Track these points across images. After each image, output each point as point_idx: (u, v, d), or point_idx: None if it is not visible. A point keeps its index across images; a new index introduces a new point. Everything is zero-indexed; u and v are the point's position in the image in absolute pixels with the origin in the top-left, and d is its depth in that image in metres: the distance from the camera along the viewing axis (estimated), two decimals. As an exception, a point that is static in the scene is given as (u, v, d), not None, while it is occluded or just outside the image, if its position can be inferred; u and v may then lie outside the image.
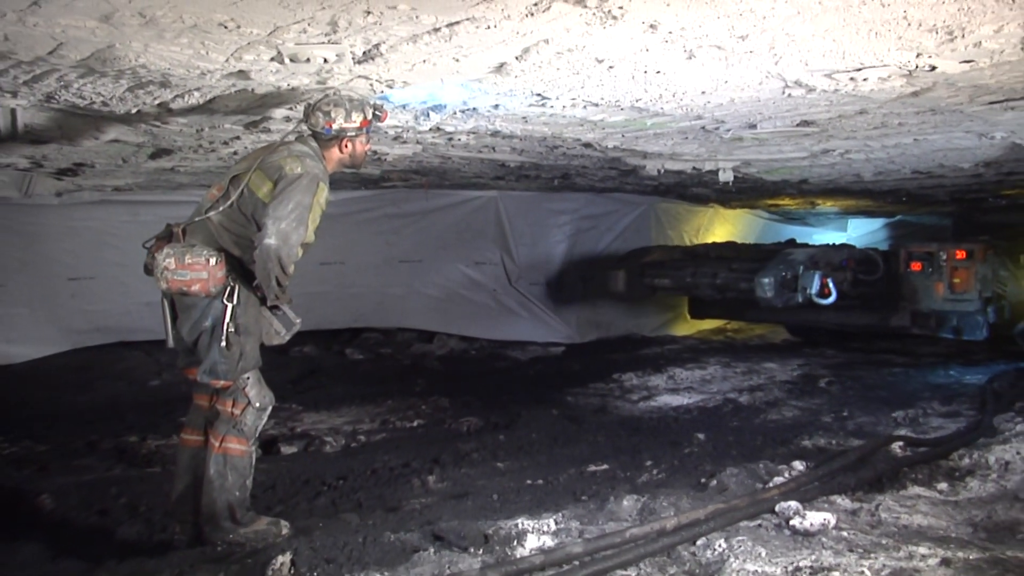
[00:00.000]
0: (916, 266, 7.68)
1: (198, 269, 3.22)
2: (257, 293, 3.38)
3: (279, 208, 3.21)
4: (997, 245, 7.82)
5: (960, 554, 2.88)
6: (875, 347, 8.97)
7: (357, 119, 3.41)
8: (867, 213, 11.56)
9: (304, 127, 3.50)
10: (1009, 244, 7.95)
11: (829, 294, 7.40)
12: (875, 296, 7.73)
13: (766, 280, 7.43)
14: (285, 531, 3.42)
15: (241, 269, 3.35)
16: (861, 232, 12.70)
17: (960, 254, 7.53)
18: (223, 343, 3.28)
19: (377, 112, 3.49)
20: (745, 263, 8.18)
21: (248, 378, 3.37)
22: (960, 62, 3.20)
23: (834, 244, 9.52)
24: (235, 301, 3.31)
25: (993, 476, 3.87)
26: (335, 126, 3.39)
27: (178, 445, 3.62)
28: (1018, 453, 4.08)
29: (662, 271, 8.83)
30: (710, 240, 10.50)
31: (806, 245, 9.12)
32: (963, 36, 2.86)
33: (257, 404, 3.38)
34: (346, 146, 3.49)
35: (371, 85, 3.50)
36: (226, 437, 3.34)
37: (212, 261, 3.24)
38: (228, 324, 3.29)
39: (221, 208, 3.34)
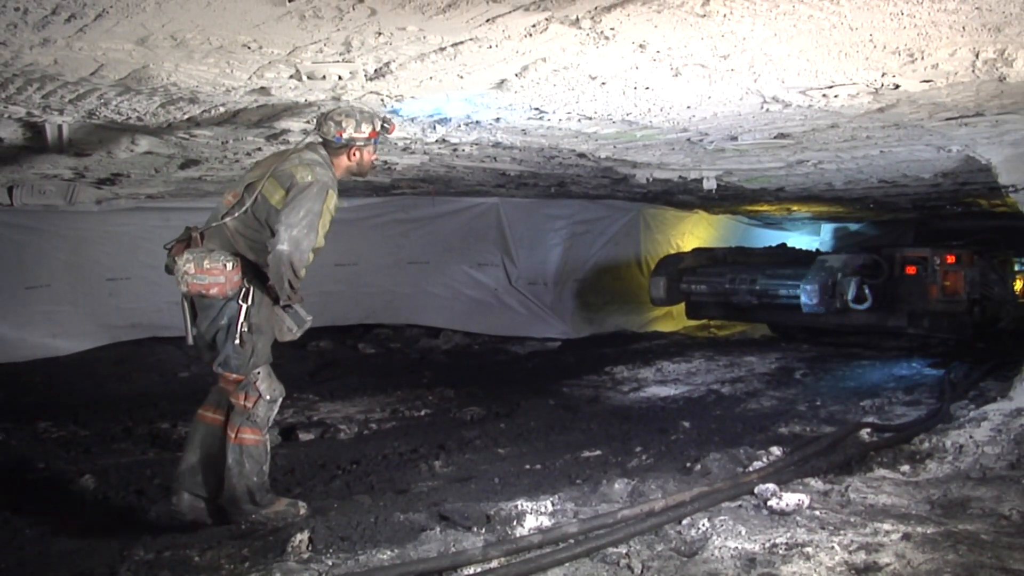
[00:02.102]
0: (911, 270, 7.54)
1: (216, 274, 3.20)
2: (270, 294, 3.34)
3: (291, 215, 3.17)
4: (982, 250, 7.77)
5: (919, 529, 2.89)
6: (845, 342, 8.95)
7: (366, 130, 3.36)
8: (838, 219, 11.51)
9: (315, 135, 3.45)
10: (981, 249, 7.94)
11: (865, 299, 7.23)
12: (875, 298, 7.59)
13: (810, 287, 7.19)
14: (303, 511, 3.40)
15: (255, 271, 3.32)
16: (827, 237, 12.60)
17: (951, 259, 7.45)
18: (237, 340, 3.26)
19: (385, 124, 3.44)
20: (781, 269, 7.91)
21: (259, 373, 3.34)
22: (920, 81, 3.21)
23: (852, 251, 9.32)
24: (249, 302, 3.28)
25: (949, 458, 3.87)
26: (345, 135, 3.33)
27: (194, 419, 3.54)
28: (971, 437, 4.08)
29: (698, 277, 8.46)
30: (695, 243, 10.47)
31: (796, 249, 8.97)
32: (922, 58, 2.87)
33: (268, 397, 3.34)
34: (354, 155, 3.43)
35: (382, 100, 3.50)
36: (241, 428, 3.31)
37: (229, 266, 3.22)
38: (242, 323, 3.26)
39: (236, 214, 3.29)
